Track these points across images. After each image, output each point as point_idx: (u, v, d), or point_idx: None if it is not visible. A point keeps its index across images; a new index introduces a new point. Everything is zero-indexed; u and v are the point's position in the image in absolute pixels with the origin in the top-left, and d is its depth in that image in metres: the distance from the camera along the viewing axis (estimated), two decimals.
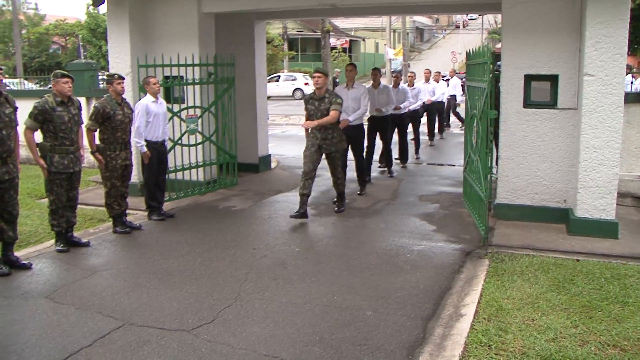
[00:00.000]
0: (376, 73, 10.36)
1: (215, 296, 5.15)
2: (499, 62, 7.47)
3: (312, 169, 7.63)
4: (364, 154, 9.50)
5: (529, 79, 7.18)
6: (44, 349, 4.22)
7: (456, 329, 4.43)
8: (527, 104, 7.22)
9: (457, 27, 69.76)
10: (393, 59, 41.83)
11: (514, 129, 7.26)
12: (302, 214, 7.56)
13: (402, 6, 11.12)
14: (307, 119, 7.87)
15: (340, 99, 7.71)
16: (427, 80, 14.97)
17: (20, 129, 6.01)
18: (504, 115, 7.28)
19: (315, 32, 42.71)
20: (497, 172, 7.57)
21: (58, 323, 4.65)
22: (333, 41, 44.11)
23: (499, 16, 10.01)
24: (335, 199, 8.35)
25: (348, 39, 50.95)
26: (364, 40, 54.00)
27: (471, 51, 7.84)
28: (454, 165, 11.73)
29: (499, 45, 9.44)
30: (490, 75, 6.48)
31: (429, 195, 9.18)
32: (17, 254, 6.09)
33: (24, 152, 7.78)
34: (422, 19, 65.06)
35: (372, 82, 10.23)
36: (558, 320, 4.47)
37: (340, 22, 49.75)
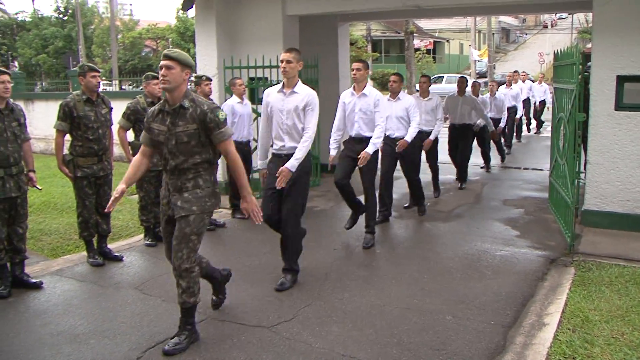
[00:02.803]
0: (397, 79, 7.49)
1: (295, 295, 5.23)
2: (588, 63, 7.18)
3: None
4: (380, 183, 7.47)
5: (621, 80, 6.84)
6: (133, 337, 4.44)
7: (538, 339, 4.31)
8: (620, 106, 6.88)
9: (545, 26, 67.31)
10: (478, 60, 41.05)
11: (604, 133, 6.96)
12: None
13: (487, 6, 10.88)
14: (144, 153, 4.57)
15: (222, 117, 4.10)
16: (509, 84, 13.85)
17: (114, 128, 6.34)
18: (593, 118, 6.99)
19: (398, 33, 42.44)
20: (585, 177, 7.28)
21: (146, 313, 4.88)
22: (417, 42, 43.68)
23: (590, 15, 9.62)
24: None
25: (432, 40, 50.32)
26: (448, 41, 53.18)
27: (559, 52, 7.59)
28: (540, 170, 11.35)
29: (588, 46, 9.05)
30: (580, 76, 6.25)
31: (513, 199, 8.94)
32: (110, 246, 6.46)
33: (117, 150, 8.19)
34: (508, 19, 63.25)
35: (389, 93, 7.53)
36: None
37: (424, 23, 49.22)
